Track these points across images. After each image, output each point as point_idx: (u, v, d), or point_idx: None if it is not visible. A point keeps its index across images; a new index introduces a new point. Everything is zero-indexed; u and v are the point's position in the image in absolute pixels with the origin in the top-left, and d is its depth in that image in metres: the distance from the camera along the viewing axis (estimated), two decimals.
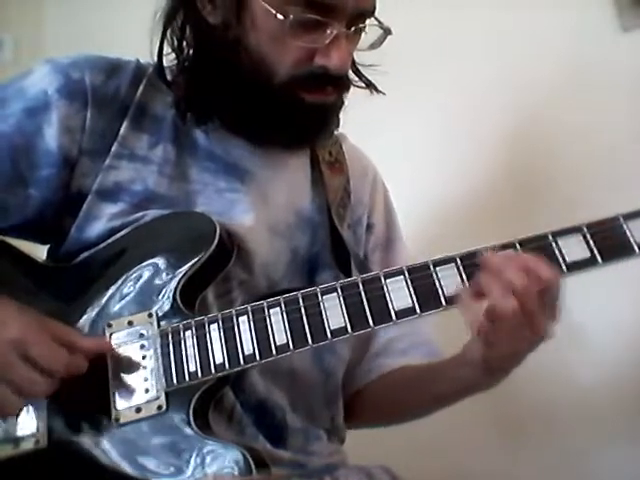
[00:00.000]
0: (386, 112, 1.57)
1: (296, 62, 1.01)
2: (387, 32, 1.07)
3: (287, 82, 1.01)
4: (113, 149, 1.05)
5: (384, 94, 1.21)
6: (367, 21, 1.04)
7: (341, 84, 1.06)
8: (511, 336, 0.86)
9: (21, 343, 0.86)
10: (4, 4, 2.55)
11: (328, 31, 0.98)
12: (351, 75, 1.21)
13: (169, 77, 1.10)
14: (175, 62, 1.10)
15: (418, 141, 1.83)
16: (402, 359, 1.20)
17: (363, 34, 1.06)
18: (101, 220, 1.02)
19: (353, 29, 1.01)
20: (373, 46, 1.07)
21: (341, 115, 1.11)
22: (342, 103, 1.10)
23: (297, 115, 1.04)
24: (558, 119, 1.66)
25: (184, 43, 1.08)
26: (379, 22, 1.06)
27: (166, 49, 1.09)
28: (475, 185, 1.76)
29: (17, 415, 0.92)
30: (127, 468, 0.90)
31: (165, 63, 1.10)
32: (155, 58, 1.10)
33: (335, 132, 1.18)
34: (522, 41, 1.72)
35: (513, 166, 1.73)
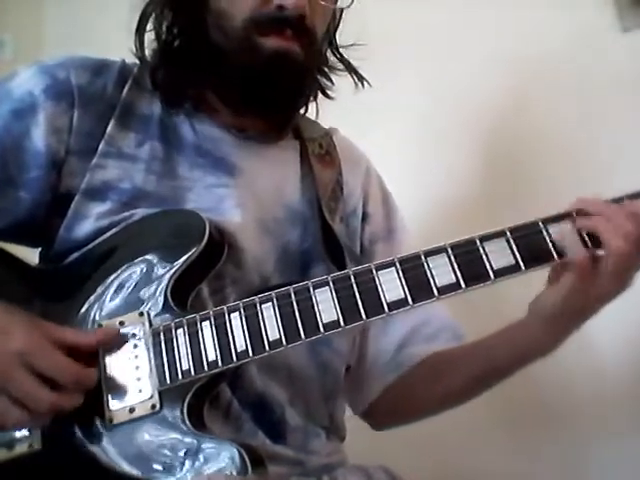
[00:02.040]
0: (377, 109, 1.57)
1: (252, 5, 1.03)
2: None
3: (245, 28, 1.03)
4: (100, 148, 1.05)
5: (369, 83, 1.21)
6: None
7: (302, 32, 1.05)
8: (605, 282, 0.87)
9: (27, 355, 0.86)
10: (4, 4, 2.56)
11: None
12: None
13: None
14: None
15: (410, 138, 1.82)
16: (432, 345, 1.19)
17: None
18: (89, 219, 1.02)
19: None
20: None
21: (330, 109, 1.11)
22: (310, 63, 1.09)
23: (257, 64, 1.03)
24: (557, 119, 1.65)
25: (164, 22, 1.10)
26: None
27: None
28: (470, 182, 1.75)
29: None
30: (122, 468, 0.89)
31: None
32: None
33: (325, 125, 1.17)
34: (521, 41, 1.71)
35: (509, 164, 1.73)
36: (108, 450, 0.90)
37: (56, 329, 0.92)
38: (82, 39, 2.40)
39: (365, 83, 1.24)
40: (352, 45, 1.21)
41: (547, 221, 0.87)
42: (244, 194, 1.08)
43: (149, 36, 1.12)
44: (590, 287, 0.88)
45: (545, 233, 0.86)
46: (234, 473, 0.85)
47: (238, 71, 1.05)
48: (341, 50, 1.24)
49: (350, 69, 1.23)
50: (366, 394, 1.22)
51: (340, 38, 1.23)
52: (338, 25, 1.22)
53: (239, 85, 1.06)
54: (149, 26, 1.11)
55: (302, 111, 1.22)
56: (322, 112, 1.25)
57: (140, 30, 1.11)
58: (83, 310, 0.97)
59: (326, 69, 1.22)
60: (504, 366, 1.09)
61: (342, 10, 1.17)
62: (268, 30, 1.03)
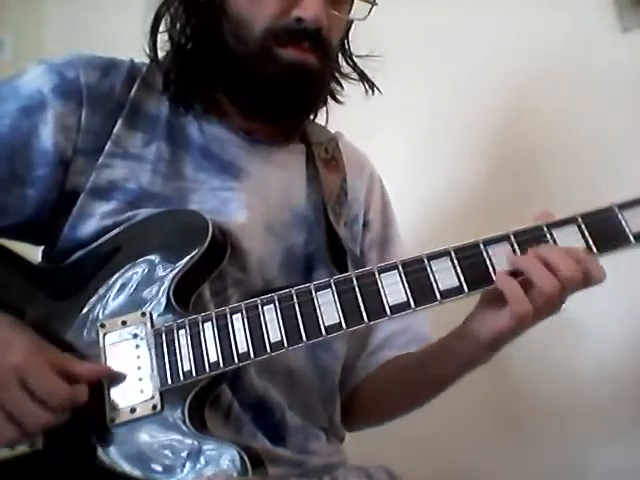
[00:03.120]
0: (381, 110, 1.57)
1: (272, 15, 1.03)
2: (372, 3, 1.10)
3: (263, 37, 1.03)
4: (107, 148, 1.05)
5: (379, 90, 1.21)
6: None
7: (319, 44, 1.05)
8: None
9: (22, 371, 0.85)
10: (4, 4, 2.56)
11: None
12: (347, 70, 1.22)
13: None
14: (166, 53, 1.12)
15: (416, 139, 1.83)
16: (400, 352, 1.19)
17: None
18: (94, 219, 1.02)
19: None
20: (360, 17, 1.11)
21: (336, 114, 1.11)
22: (325, 73, 1.10)
23: (274, 74, 1.04)
24: (558, 119, 1.66)
25: (178, 23, 1.10)
26: None
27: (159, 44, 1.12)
28: (471, 183, 1.75)
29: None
30: (123, 468, 0.89)
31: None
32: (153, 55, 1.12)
33: (329, 127, 1.18)
34: (522, 41, 1.73)
35: (510, 164, 1.73)
36: (109, 450, 0.90)
37: (56, 352, 0.92)
38: (82, 39, 2.40)
39: (365, 84, 1.24)
40: (367, 56, 1.22)
41: (551, 225, 0.87)
42: (250, 197, 1.08)
43: (161, 36, 1.12)
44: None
45: (549, 237, 0.86)
46: (235, 474, 0.85)
47: (253, 79, 1.05)
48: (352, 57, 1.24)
49: (362, 77, 1.23)
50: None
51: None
52: (348, 32, 1.22)
53: (253, 92, 1.07)
54: (162, 27, 1.11)
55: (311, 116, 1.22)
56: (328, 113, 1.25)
57: (154, 31, 1.11)
58: (86, 309, 0.97)
59: (337, 75, 1.22)
60: (445, 376, 1.09)
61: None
62: (286, 41, 1.03)
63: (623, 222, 0.84)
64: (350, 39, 1.23)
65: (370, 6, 1.11)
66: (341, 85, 1.23)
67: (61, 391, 0.87)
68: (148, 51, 1.12)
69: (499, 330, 0.91)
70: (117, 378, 0.93)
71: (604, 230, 0.85)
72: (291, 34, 1.03)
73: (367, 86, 1.24)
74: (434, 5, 1.84)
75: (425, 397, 1.16)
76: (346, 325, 0.88)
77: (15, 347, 0.87)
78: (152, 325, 0.95)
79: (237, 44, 1.05)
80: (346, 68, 1.24)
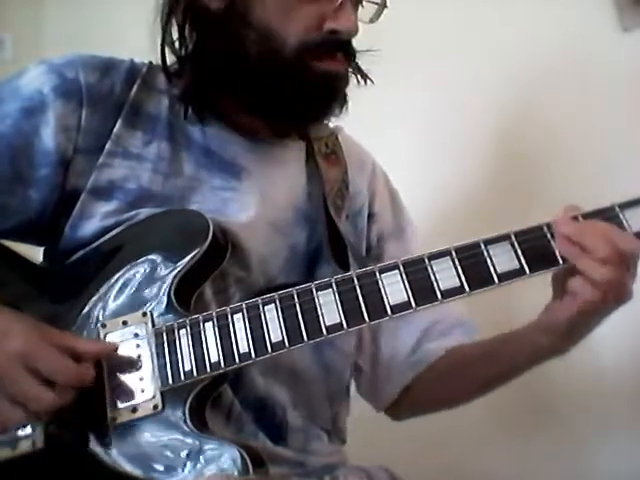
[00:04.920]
0: (384, 109, 1.57)
1: (306, 28, 1.01)
2: (383, 6, 1.10)
3: (298, 50, 1.01)
4: (107, 147, 1.05)
5: (371, 80, 1.21)
6: None
7: (349, 52, 1.06)
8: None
9: (26, 355, 0.86)
10: (4, 4, 2.56)
11: None
12: None
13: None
14: (175, 61, 1.10)
15: (413, 138, 1.83)
16: (445, 340, 1.19)
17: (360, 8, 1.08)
18: (95, 219, 1.02)
19: None
20: (371, 20, 1.10)
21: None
22: (349, 77, 1.11)
23: (309, 86, 1.03)
24: (558, 119, 1.66)
25: (186, 34, 1.08)
26: None
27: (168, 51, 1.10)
28: (472, 182, 1.75)
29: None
30: (124, 468, 0.90)
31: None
32: (159, 57, 1.09)
33: (331, 123, 1.18)
34: (521, 40, 1.73)
35: (511, 164, 1.73)
36: (110, 449, 0.91)
37: (56, 332, 0.92)
38: (82, 39, 2.40)
39: (369, 81, 1.21)
40: (367, 51, 1.21)
41: (551, 226, 0.86)
42: (251, 196, 1.08)
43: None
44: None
45: (549, 237, 0.86)
46: (235, 474, 0.85)
47: (287, 90, 1.04)
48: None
49: (359, 72, 1.21)
50: (385, 395, 1.22)
51: None
52: None
53: (284, 102, 1.06)
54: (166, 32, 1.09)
55: None
56: None
57: (163, 43, 1.08)
58: (87, 309, 0.98)
59: None
60: (522, 366, 1.07)
61: None
62: (320, 53, 1.02)
63: (624, 222, 0.84)
64: None
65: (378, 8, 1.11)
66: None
67: (70, 369, 0.88)
68: (161, 63, 1.09)
69: (563, 315, 0.90)
70: (118, 378, 0.93)
71: None
72: (325, 47, 1.02)
73: (362, 80, 1.23)
74: (435, 3, 1.84)
75: (495, 386, 1.14)
76: (347, 325, 0.88)
77: (14, 335, 0.87)
78: (153, 325, 0.95)
79: (263, 56, 1.02)
80: None
